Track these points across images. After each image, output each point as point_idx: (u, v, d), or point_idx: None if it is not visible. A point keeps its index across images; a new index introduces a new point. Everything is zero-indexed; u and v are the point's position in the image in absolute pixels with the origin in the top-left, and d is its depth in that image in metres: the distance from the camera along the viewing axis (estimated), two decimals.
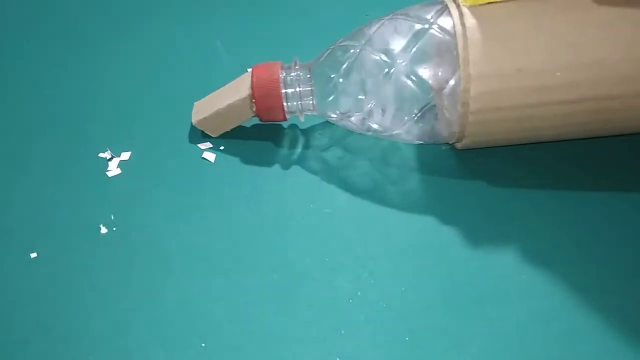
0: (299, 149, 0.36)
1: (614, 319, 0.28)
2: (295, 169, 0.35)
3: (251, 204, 0.34)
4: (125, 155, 0.36)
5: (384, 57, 0.31)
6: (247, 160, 0.35)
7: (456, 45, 0.30)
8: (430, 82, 0.31)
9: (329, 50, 0.33)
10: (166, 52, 0.42)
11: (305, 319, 0.29)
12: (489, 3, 0.30)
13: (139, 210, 0.34)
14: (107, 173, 0.35)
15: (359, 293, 0.30)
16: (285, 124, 0.37)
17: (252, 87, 0.33)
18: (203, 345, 0.29)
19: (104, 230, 0.33)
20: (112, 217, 0.33)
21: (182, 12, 0.44)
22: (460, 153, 0.35)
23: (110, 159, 0.36)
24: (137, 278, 0.31)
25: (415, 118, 0.32)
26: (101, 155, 0.36)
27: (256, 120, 0.36)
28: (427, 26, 0.31)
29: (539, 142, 0.34)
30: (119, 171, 0.35)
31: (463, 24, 0.30)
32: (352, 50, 0.32)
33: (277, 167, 0.35)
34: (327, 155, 0.35)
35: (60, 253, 0.32)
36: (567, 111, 0.30)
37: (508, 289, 0.30)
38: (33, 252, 0.32)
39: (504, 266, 0.30)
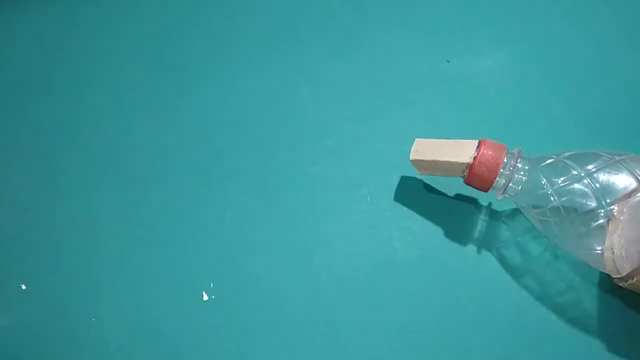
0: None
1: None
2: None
3: None
4: None
5: (595, 203, 0.31)
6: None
7: None
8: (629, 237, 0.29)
9: (552, 159, 0.34)
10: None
11: (307, 322, 0.31)
12: None
13: None
14: None
15: (365, 297, 0.32)
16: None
17: (474, 159, 0.35)
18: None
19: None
20: None
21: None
22: None
23: None
24: (140, 277, 0.31)
25: (595, 252, 0.31)
26: None
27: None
28: None
29: None
30: None
31: None
32: (572, 172, 0.32)
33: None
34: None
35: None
36: None
37: (509, 291, 0.32)
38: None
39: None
